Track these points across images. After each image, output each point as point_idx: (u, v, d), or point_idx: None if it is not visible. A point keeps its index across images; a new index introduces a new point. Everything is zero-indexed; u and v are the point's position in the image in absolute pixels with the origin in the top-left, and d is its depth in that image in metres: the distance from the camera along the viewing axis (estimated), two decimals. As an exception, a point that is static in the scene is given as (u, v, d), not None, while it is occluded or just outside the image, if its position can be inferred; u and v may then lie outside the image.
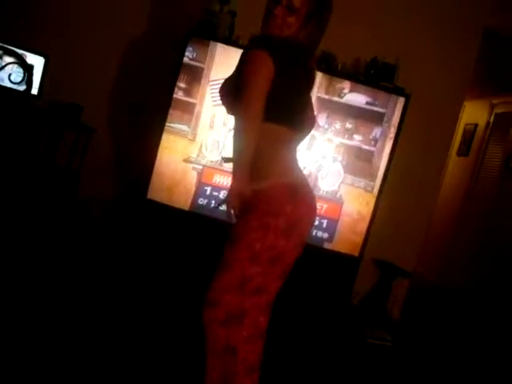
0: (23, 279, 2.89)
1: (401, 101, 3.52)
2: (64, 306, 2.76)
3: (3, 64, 3.46)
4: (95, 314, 2.77)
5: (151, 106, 3.77)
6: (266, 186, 1.81)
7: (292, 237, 1.81)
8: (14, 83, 3.54)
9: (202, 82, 3.45)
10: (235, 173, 1.78)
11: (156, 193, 3.51)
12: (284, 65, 1.78)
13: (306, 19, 1.89)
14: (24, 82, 3.57)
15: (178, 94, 3.47)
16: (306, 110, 1.97)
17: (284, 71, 1.78)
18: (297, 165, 1.94)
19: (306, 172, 3.48)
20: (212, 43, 3.43)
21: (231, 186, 1.79)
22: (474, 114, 6.25)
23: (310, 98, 2.03)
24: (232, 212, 1.79)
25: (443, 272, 5.99)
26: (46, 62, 3.67)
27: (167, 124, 3.45)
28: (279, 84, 1.77)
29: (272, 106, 1.77)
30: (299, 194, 1.84)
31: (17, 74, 3.55)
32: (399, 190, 3.87)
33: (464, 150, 6.28)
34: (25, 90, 3.57)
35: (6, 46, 3.45)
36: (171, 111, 3.45)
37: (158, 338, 2.69)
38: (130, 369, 2.35)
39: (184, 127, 3.48)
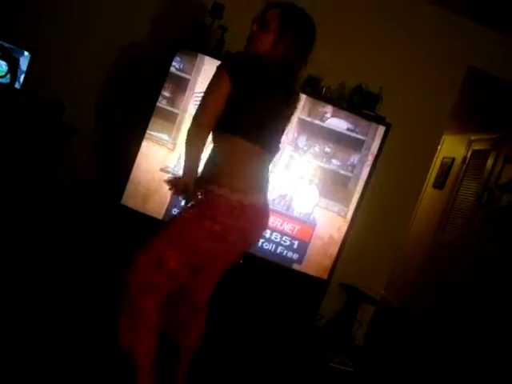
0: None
1: (381, 129, 3.57)
2: (25, 306, 2.74)
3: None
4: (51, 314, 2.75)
5: (134, 111, 3.77)
6: (216, 194, 1.91)
7: (223, 242, 1.92)
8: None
9: (187, 93, 3.46)
10: (184, 168, 1.96)
11: (131, 199, 3.49)
12: (242, 80, 1.88)
13: (278, 35, 1.98)
14: (8, 76, 3.57)
15: (162, 103, 3.47)
16: (271, 127, 2.01)
17: (242, 86, 1.88)
18: (255, 182, 1.99)
19: (281, 192, 3.51)
20: (200, 56, 3.44)
21: (181, 178, 1.95)
22: (452, 148, 6.37)
23: (280, 118, 2.07)
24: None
25: (409, 299, 6.05)
26: (32, 57, 3.65)
27: (148, 131, 3.45)
28: (237, 98, 1.88)
29: (230, 118, 1.90)
30: (243, 213, 1.91)
31: (1, 67, 3.53)
32: (372, 217, 3.92)
33: (440, 182, 6.38)
34: (8, 84, 3.55)
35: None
36: (153, 119, 3.46)
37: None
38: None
39: (164, 136, 3.48)
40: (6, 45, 3.52)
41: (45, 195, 3.64)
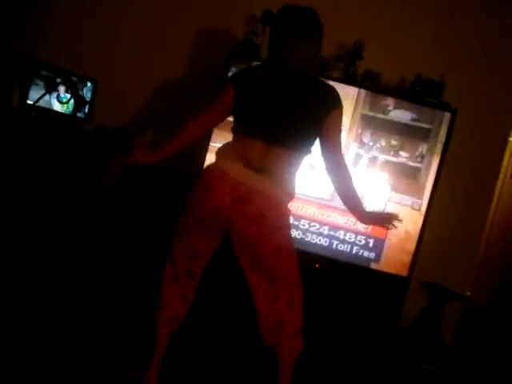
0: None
1: (447, 116, 3.45)
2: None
3: (57, 88, 3.59)
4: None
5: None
6: None
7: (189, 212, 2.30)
8: (63, 107, 3.67)
9: (245, 102, 3.47)
10: None
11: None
12: (239, 87, 2.22)
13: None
14: (73, 107, 3.70)
15: (222, 114, 3.49)
16: (260, 112, 2.17)
17: (240, 91, 2.21)
18: (232, 155, 2.22)
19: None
20: (254, 64, 3.45)
21: None
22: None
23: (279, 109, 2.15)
24: None
25: (498, 295, 5.75)
26: (94, 87, 3.77)
27: (211, 144, 3.48)
28: (239, 101, 2.22)
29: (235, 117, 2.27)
30: (205, 178, 2.28)
31: (66, 98, 3.67)
32: (448, 207, 3.76)
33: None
34: (72, 114, 3.68)
35: (56, 70, 3.58)
36: (215, 131, 3.48)
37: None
38: None
39: (227, 147, 3.49)
40: (70, 78, 3.66)
41: (120, 220, 3.72)
